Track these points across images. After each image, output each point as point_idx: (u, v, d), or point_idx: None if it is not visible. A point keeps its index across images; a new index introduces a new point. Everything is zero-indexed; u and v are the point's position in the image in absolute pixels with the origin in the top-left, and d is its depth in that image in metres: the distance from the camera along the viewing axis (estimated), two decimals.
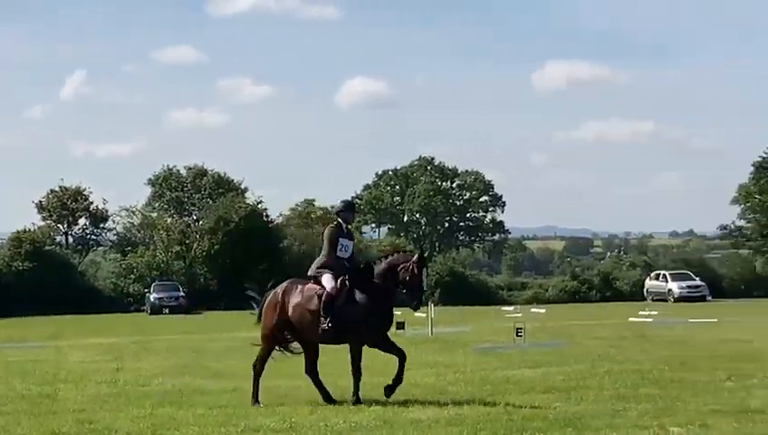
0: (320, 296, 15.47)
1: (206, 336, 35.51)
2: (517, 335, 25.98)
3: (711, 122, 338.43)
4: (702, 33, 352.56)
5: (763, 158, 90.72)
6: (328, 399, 15.60)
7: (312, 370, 15.95)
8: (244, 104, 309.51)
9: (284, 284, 16.15)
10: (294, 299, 15.74)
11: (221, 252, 75.49)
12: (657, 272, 77.49)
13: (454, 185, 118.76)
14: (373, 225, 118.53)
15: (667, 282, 72.67)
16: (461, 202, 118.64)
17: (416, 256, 15.46)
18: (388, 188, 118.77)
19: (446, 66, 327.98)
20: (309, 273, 16.02)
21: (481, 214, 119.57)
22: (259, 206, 79.71)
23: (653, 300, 70.10)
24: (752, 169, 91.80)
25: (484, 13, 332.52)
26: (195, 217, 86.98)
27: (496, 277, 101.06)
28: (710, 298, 70.66)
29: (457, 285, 79.16)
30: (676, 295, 70.00)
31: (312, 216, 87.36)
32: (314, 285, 15.70)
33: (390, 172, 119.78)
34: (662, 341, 27.27)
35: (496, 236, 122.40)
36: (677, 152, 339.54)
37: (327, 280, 15.56)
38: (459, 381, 17.93)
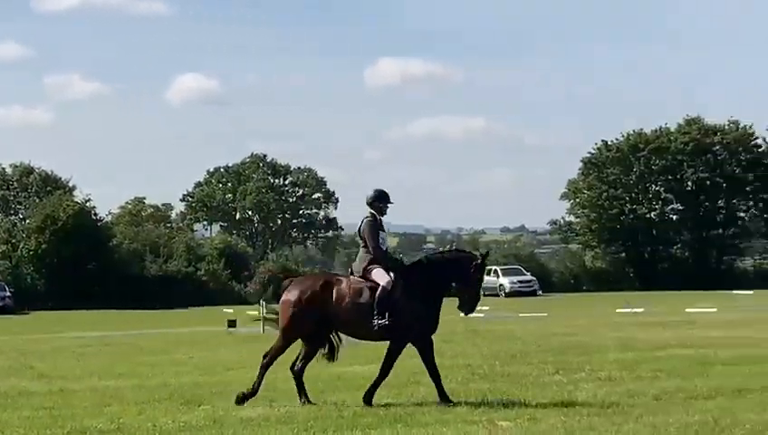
0: (371, 290, 14.70)
1: (33, 337, 34.67)
2: None
3: (541, 119, 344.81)
4: (532, 33, 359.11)
5: (592, 154, 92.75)
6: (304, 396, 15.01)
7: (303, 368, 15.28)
8: (73, 101, 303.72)
9: (319, 279, 15.43)
10: (341, 293, 14.81)
11: (48, 251, 73.91)
12: (489, 267, 78.56)
13: (286, 182, 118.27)
14: (205, 222, 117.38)
15: (498, 277, 73.68)
16: (294, 199, 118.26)
17: (478, 259, 14.81)
18: (220, 185, 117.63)
19: (278, 63, 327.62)
20: (354, 268, 15.12)
21: (314, 211, 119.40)
22: (87, 204, 78.17)
23: (484, 295, 70.59)
24: (580, 165, 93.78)
25: (316, 10, 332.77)
26: (21, 217, 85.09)
27: None
28: (540, 293, 71.96)
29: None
30: (507, 290, 71.07)
31: (143, 214, 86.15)
32: (361, 279, 14.88)
33: (222, 169, 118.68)
34: (493, 335, 27.56)
35: (330, 233, 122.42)
36: (509, 149, 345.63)
37: (380, 274, 14.77)
38: (290, 380, 17.70)
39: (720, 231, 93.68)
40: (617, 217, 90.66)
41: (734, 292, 66.00)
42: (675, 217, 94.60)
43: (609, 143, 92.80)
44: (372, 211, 15.22)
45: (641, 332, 27.34)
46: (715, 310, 38.12)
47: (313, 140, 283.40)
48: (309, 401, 14.79)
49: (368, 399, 14.51)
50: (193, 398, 15.30)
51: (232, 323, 34.02)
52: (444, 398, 14.29)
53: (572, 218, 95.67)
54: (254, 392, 14.83)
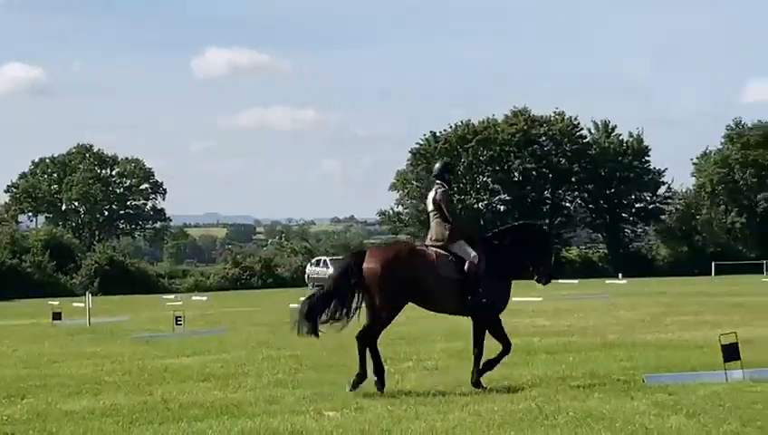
0: (458, 264, 14.42)
1: None
2: (177, 324, 25.63)
3: (370, 110, 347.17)
4: (360, 23, 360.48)
5: (420, 145, 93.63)
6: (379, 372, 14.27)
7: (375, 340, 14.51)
8: None
9: (406, 247, 15.21)
10: (426, 267, 14.34)
11: None
12: (318, 258, 78.63)
13: (113, 173, 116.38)
14: (30, 214, 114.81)
15: (327, 268, 73.78)
16: (121, 190, 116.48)
17: (546, 229, 14.71)
18: (45, 176, 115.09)
19: (104, 53, 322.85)
20: (433, 238, 14.78)
21: (141, 202, 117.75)
22: None
23: (314, 286, 70.93)
24: (409, 155, 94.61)
25: (143, 1, 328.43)
26: None
27: (158, 265, 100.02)
28: None
29: (117, 274, 77.91)
30: None
31: None
32: (445, 252, 14.50)
33: (47, 160, 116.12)
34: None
35: (158, 224, 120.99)
36: (338, 139, 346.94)
37: (464, 248, 14.55)
38: (116, 372, 17.42)
39: (546, 221, 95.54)
40: None
41: (560, 281, 67.42)
42: (502, 208, 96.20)
43: (438, 134, 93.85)
44: (442, 183, 14.97)
45: (467, 321, 27.58)
46: (540, 299, 38.76)
47: (141, 130, 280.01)
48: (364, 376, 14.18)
49: (476, 381, 14.28)
50: (17, 391, 14.90)
51: (57, 316, 33.23)
52: (479, 374, 14.35)
53: (401, 209, 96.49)
54: (363, 375, 14.16)
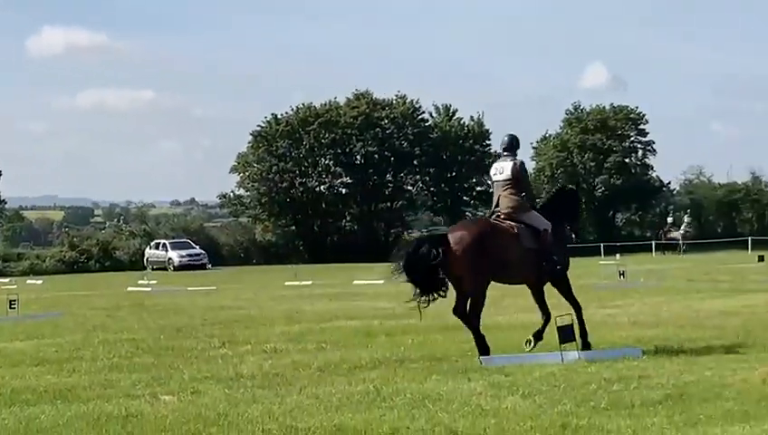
0: (534, 234, 14.95)
1: None
2: (10, 307, 24.97)
3: (210, 92, 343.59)
4: (201, 5, 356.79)
5: (261, 127, 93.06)
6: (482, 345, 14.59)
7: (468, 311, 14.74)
8: None
9: (478, 224, 15.38)
10: (510, 239, 14.77)
11: None
12: (158, 241, 77.77)
13: None
14: None
15: (167, 251, 73.07)
16: None
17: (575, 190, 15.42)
18: None
19: None
20: (506, 211, 15.08)
21: None
22: None
23: (153, 269, 70.12)
24: (250, 138, 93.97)
25: None
26: None
27: None
28: (210, 266, 71.74)
29: None
30: (176, 264, 70.50)
31: None
32: (519, 223, 14.96)
33: None
34: (160, 309, 27.19)
35: None
36: (178, 122, 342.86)
37: (538, 218, 15.11)
38: None
39: (388, 204, 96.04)
40: (287, 190, 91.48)
41: None
42: (344, 191, 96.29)
43: (279, 117, 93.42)
44: (512, 154, 15.44)
45: (308, 304, 27.62)
46: (381, 282, 38.94)
47: None
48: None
49: (536, 337, 15.24)
50: None
51: None
52: (538, 336, 15.30)
53: (242, 192, 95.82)
54: (485, 348, 14.52)
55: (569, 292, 15.54)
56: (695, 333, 15.88)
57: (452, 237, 14.56)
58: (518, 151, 15.64)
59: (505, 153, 15.51)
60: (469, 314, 14.67)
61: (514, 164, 15.23)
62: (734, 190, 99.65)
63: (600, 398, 10.94)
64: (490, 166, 15.96)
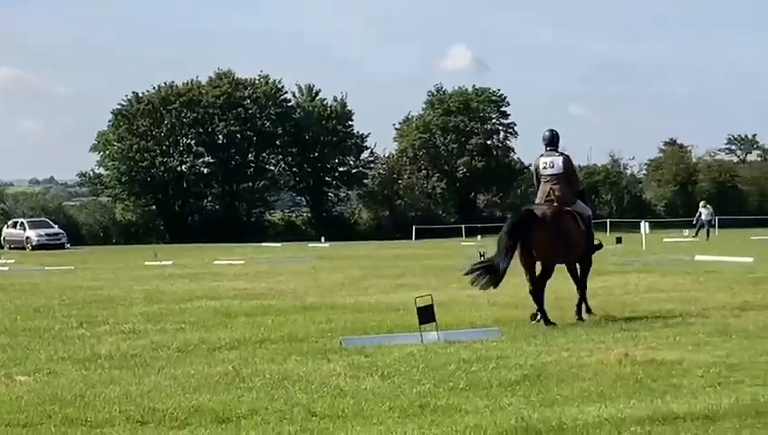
0: (581, 220, 16.61)
1: None
2: None
3: (70, 68, 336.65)
4: None
5: (123, 106, 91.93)
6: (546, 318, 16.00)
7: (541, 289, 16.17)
8: None
9: (546, 211, 16.25)
10: (567, 223, 16.36)
11: None
12: (16, 220, 76.34)
13: None
14: None
15: (25, 230, 71.76)
16: None
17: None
18: None
19: None
20: (563, 201, 16.51)
21: None
22: None
23: (11, 248, 68.80)
24: (111, 117, 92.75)
25: None
26: None
27: None
28: (69, 246, 70.70)
29: None
30: (34, 243, 69.29)
31: None
32: (570, 210, 16.57)
33: None
34: (17, 289, 26.68)
35: None
36: (37, 99, 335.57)
37: (582, 205, 16.95)
38: None
39: (250, 184, 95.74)
40: (147, 169, 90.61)
41: (263, 244, 67.72)
42: (206, 171, 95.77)
43: (140, 95, 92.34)
44: (555, 149, 16.86)
45: (168, 284, 27.37)
46: (242, 262, 38.86)
47: None
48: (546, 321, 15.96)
49: (579, 313, 16.65)
50: None
51: None
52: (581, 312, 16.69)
53: (102, 171, 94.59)
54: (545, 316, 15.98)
55: (586, 272, 17.11)
56: (553, 313, 16.12)
57: (537, 218, 16.11)
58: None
59: (549, 148, 16.76)
60: (540, 281, 16.18)
61: (565, 159, 16.67)
62: (593, 173, 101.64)
63: (458, 378, 11.06)
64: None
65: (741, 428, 8.63)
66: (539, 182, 16.93)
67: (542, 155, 16.84)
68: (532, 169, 17.89)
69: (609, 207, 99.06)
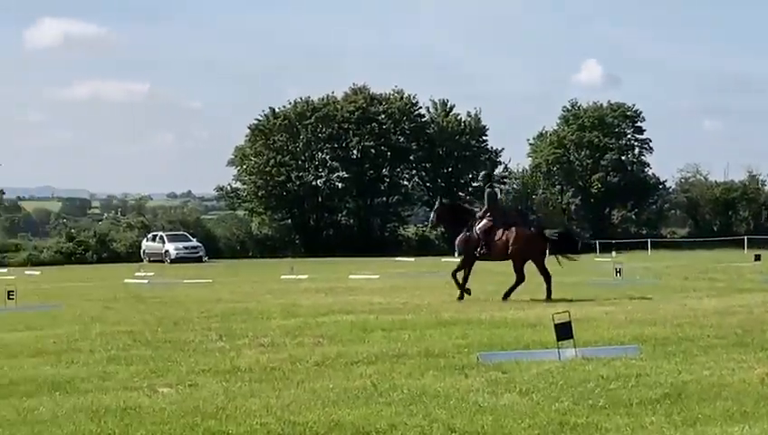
0: None
1: None
2: (9, 298, 25.01)
3: (205, 85, 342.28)
4: None
5: (259, 121, 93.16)
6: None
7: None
8: None
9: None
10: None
11: None
12: (155, 233, 77.82)
13: None
14: None
15: (164, 243, 73.10)
16: None
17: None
18: None
19: None
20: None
21: None
22: None
23: (150, 261, 70.20)
24: (248, 131, 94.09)
25: None
26: None
27: None
28: (207, 259, 71.79)
29: None
30: (172, 256, 70.55)
31: None
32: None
33: None
34: (157, 302, 27.19)
35: None
36: (173, 113, 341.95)
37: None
38: None
39: (384, 199, 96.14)
40: (283, 183, 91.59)
41: (397, 259, 67.92)
42: (340, 185, 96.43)
43: (277, 110, 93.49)
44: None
45: (305, 298, 27.61)
46: (377, 277, 39.01)
47: None
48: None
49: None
50: None
51: None
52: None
53: (239, 185, 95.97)
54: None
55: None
56: (692, 331, 15.88)
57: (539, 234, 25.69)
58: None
59: None
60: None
61: None
62: (730, 189, 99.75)
63: (597, 396, 10.96)
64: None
65: None
66: None
67: None
68: None
69: (746, 223, 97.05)
